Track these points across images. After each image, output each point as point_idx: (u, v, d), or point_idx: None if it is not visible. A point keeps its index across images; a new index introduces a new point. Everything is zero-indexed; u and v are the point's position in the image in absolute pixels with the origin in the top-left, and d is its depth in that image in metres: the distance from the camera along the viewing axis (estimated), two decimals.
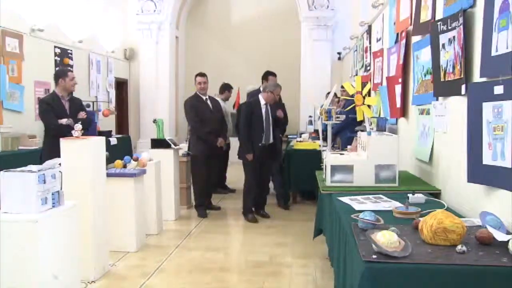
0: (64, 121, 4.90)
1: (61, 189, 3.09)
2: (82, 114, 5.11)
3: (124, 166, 4.82)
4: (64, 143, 3.78)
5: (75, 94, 5.33)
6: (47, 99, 5.14)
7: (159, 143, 5.95)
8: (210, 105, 6.19)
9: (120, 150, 7.51)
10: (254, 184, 5.85)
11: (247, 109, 5.85)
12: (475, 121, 2.61)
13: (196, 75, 6.29)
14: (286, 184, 6.52)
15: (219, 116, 6.30)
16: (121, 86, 10.84)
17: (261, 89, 6.14)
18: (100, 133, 7.25)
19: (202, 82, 6.19)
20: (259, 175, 5.88)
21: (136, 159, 4.95)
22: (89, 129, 5.25)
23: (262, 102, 5.84)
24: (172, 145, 5.95)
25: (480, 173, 2.58)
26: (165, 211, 5.64)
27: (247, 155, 5.73)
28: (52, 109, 4.95)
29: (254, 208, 5.95)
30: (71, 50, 8.29)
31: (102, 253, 3.98)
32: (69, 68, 7.77)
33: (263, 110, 5.82)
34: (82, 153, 3.77)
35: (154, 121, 6.21)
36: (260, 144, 5.76)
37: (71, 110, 5.10)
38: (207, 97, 6.21)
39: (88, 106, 8.11)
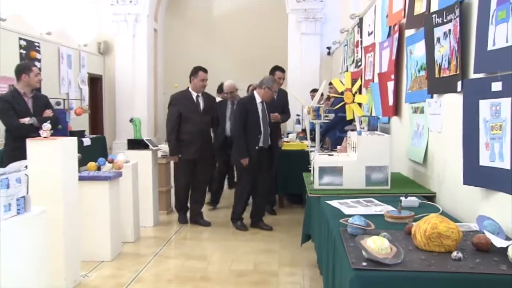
0: (26, 120, 4.78)
1: (27, 194, 3.02)
2: (48, 112, 4.99)
3: (98, 169, 4.77)
4: (31, 144, 3.71)
5: (43, 91, 5.24)
6: (6, 96, 5.00)
7: (136, 144, 5.89)
8: (201, 104, 5.78)
9: (93, 152, 7.44)
10: (248, 190, 5.69)
11: (241, 108, 5.55)
12: (471, 119, 2.61)
13: (198, 70, 5.79)
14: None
15: (209, 118, 5.88)
16: (95, 82, 10.72)
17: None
18: (72, 133, 7.16)
19: (206, 80, 5.78)
20: (255, 182, 5.64)
21: (111, 161, 4.89)
22: (60, 128, 5.15)
23: (258, 99, 5.54)
24: (151, 146, 5.89)
25: (477, 175, 2.59)
26: (143, 216, 5.59)
27: (242, 159, 5.48)
28: (12, 107, 4.81)
29: (253, 220, 5.76)
30: (38, 43, 8.14)
31: (74, 263, 3.92)
32: (35, 62, 7.62)
33: (260, 109, 5.54)
34: (51, 154, 3.71)
35: (131, 120, 6.16)
36: (257, 147, 5.54)
37: (35, 108, 4.96)
38: (199, 94, 5.80)
39: (59, 104, 8.01)
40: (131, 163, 5.23)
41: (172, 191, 6.52)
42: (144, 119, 9.77)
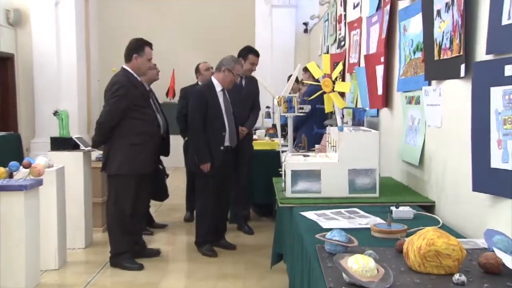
0: None
1: None
2: None
3: (10, 176, 4.65)
4: None
5: None
6: None
7: (62, 143, 5.82)
8: (153, 97, 5.46)
9: (3, 154, 7.28)
10: (212, 204, 5.44)
11: (198, 99, 5.36)
12: (480, 111, 2.62)
13: (144, 44, 5.20)
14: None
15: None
16: (4, 63, 10.50)
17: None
18: None
19: (152, 59, 5.27)
20: (219, 192, 5.48)
21: (28, 166, 4.78)
22: None
23: (218, 87, 5.39)
24: (82, 146, 5.82)
25: (488, 179, 2.59)
26: (71, 236, 5.54)
27: (202, 165, 5.29)
28: None
29: (213, 237, 5.59)
30: None
31: None
32: None
33: (221, 99, 5.40)
34: None
35: (55, 113, 6.05)
36: (222, 148, 5.37)
37: None
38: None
39: None
40: (55, 168, 5.16)
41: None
42: (73, 112, 9.60)
